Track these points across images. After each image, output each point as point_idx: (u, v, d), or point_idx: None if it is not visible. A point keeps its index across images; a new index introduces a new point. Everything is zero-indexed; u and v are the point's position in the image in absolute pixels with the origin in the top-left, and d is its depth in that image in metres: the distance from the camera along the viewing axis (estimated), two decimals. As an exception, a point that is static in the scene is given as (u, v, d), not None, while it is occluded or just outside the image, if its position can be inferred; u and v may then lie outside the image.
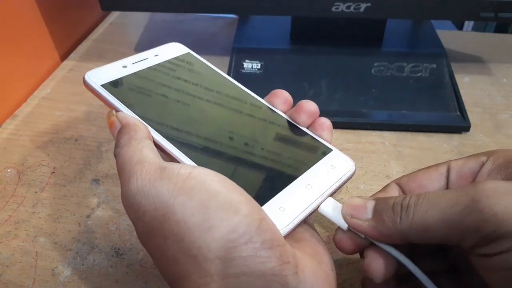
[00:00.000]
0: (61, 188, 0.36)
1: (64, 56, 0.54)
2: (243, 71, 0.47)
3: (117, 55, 0.55)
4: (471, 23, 0.99)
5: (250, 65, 0.47)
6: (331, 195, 0.24)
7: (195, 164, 0.23)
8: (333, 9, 0.44)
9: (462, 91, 0.45)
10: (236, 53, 0.49)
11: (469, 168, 0.24)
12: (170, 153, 0.23)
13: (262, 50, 0.49)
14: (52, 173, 0.38)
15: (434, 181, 0.24)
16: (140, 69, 0.25)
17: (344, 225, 0.23)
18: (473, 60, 0.54)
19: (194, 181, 0.20)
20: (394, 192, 0.25)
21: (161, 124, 0.24)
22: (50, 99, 0.47)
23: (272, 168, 0.24)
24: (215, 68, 0.28)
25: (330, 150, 0.26)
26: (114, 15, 0.64)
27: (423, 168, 0.26)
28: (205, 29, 0.60)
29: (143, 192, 0.20)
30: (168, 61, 0.26)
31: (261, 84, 0.46)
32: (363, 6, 0.43)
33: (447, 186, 0.24)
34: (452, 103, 0.44)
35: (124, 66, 0.25)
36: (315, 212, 0.24)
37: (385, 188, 0.26)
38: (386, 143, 0.41)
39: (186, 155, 0.23)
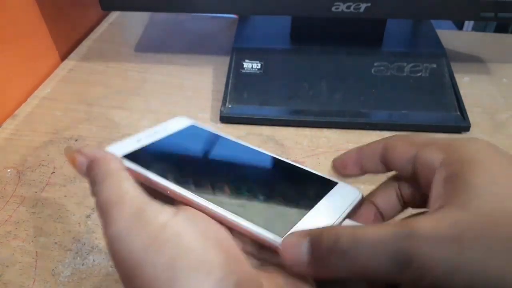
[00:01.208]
0: (61, 188, 0.36)
1: (64, 56, 0.54)
2: (243, 71, 0.47)
3: (117, 55, 0.55)
4: (471, 23, 0.99)
5: (250, 65, 0.47)
6: (342, 222, 0.25)
7: (208, 202, 0.24)
8: (333, 9, 0.44)
9: (462, 91, 0.45)
10: (236, 53, 0.48)
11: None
12: (184, 198, 0.25)
13: (262, 50, 0.49)
14: (52, 173, 0.38)
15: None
16: (153, 140, 0.29)
17: None
18: (473, 60, 0.54)
19: (168, 234, 0.19)
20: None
21: (177, 178, 0.26)
22: (50, 99, 0.47)
23: (284, 205, 0.26)
24: (218, 132, 0.32)
25: (336, 183, 0.28)
26: (114, 15, 0.64)
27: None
28: (205, 29, 0.60)
29: (119, 239, 0.20)
30: (176, 133, 0.31)
31: (261, 84, 0.46)
32: (363, 6, 0.43)
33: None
34: (452, 103, 0.44)
35: (138, 140, 0.29)
36: None
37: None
38: (386, 143, 0.41)
39: (201, 197, 0.25)
